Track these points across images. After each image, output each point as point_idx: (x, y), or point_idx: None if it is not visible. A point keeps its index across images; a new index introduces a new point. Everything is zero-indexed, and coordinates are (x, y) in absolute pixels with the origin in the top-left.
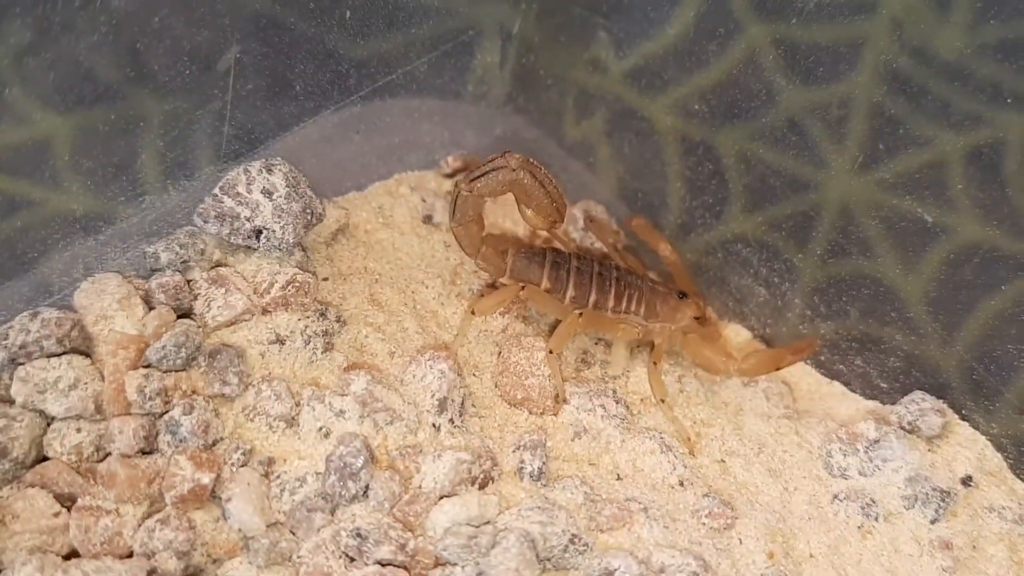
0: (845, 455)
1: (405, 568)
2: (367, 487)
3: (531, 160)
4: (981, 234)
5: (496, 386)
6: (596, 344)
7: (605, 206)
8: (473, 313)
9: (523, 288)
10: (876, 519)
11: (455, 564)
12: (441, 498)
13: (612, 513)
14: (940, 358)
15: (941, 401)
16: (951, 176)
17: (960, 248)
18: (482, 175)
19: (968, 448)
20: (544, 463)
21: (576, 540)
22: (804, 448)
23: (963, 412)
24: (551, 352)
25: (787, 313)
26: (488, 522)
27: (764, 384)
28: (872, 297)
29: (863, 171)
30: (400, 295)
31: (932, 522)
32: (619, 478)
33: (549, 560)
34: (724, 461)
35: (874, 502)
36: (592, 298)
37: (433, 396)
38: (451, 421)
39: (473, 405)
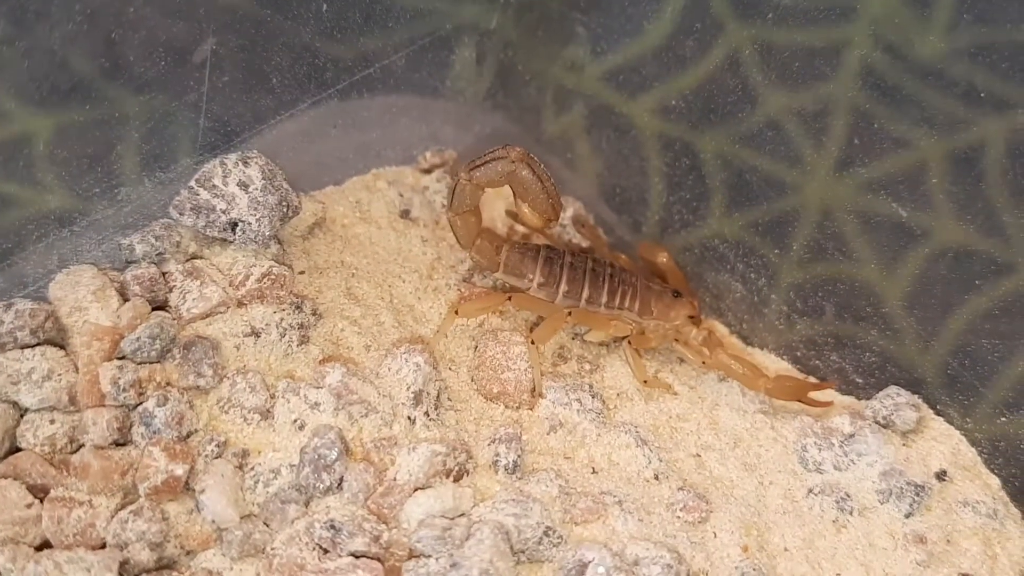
0: (820, 449)
1: (379, 560)
2: (341, 479)
3: (531, 155)
4: (958, 233)
5: (472, 380)
6: (573, 339)
7: (584, 202)
8: (456, 313)
9: (510, 298)
10: (851, 513)
11: (429, 556)
12: (416, 490)
13: (587, 506)
14: (915, 354)
15: (916, 396)
16: (930, 176)
17: (937, 247)
18: (482, 164)
19: (942, 443)
20: (519, 456)
21: (550, 532)
22: (779, 443)
23: (938, 407)
24: (533, 343)
25: (764, 309)
26: (462, 514)
27: None
28: (849, 294)
29: (842, 171)
30: (377, 289)
31: (906, 516)
32: (594, 471)
33: (523, 552)
34: (699, 455)
35: (849, 496)
36: (585, 293)
37: (408, 389)
38: (426, 414)
39: (449, 398)
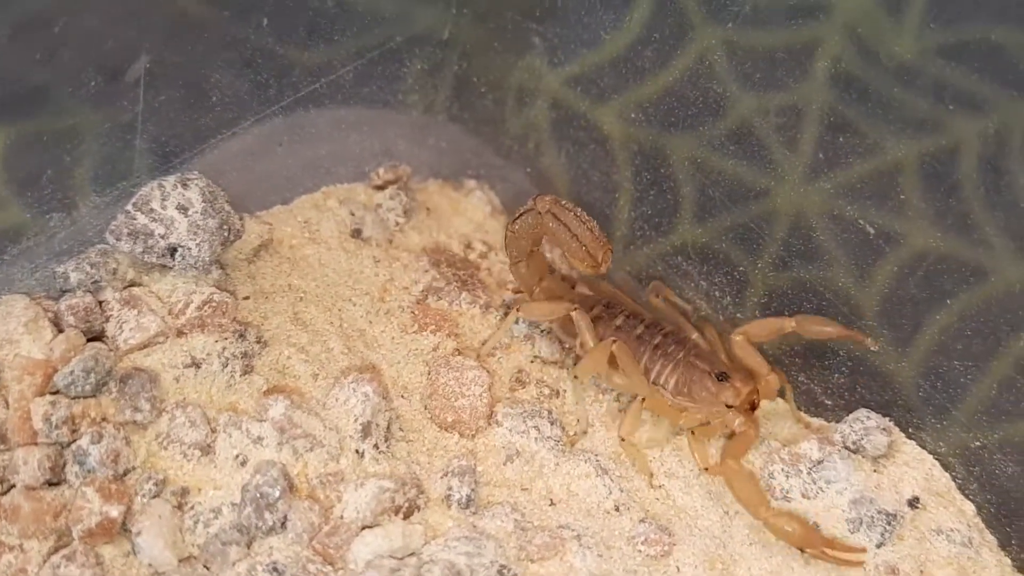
0: (788, 477)
1: None
2: (285, 518)
3: (561, 202)
4: (931, 241)
5: (425, 408)
6: (532, 362)
7: None
8: (576, 378)
9: (615, 342)
10: None
11: None
12: (363, 529)
13: (544, 542)
14: (886, 374)
15: (887, 419)
16: (904, 182)
17: (909, 258)
18: (518, 217)
19: (915, 468)
20: (473, 490)
21: (505, 571)
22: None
23: (909, 430)
24: (576, 378)
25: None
26: (412, 553)
27: None
28: (818, 311)
29: (815, 178)
30: (326, 313)
31: (878, 546)
32: (552, 503)
33: None
34: (662, 484)
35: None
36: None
37: (356, 420)
38: (375, 446)
39: (401, 429)
